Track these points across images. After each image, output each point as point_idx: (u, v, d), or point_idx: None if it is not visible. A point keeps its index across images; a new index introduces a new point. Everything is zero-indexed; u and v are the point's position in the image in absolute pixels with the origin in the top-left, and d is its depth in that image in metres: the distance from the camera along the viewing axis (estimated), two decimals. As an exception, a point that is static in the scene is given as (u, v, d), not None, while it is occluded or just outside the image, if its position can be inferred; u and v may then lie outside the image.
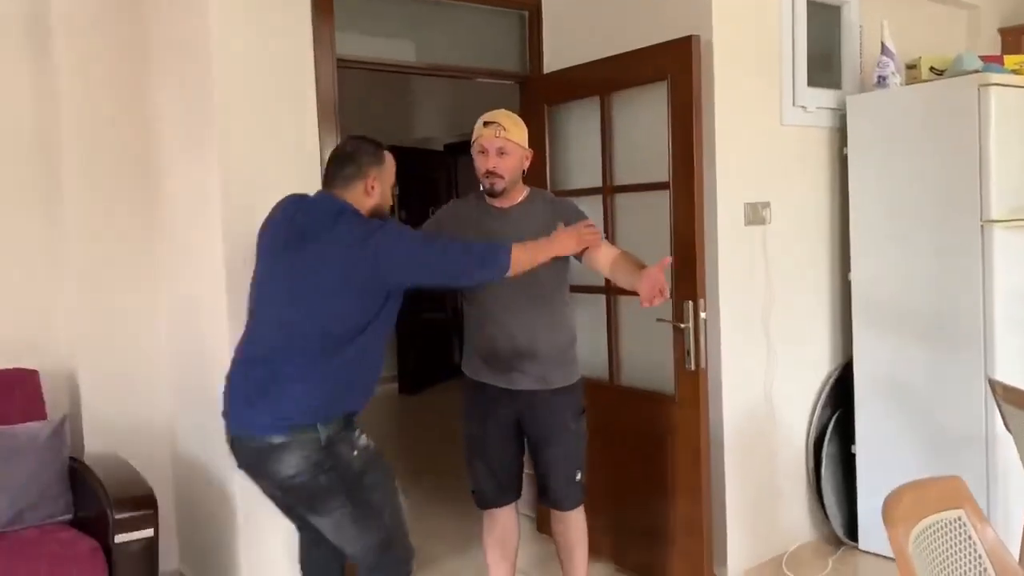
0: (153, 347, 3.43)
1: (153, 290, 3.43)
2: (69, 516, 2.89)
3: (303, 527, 2.58)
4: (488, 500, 2.86)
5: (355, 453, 2.34)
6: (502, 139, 2.64)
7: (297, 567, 2.70)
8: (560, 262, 2.70)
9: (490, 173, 2.67)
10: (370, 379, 2.42)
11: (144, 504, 2.71)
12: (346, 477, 2.31)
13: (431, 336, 7.43)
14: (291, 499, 2.40)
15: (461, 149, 7.54)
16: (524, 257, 2.48)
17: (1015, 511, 3.17)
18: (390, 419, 6.71)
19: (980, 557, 1.73)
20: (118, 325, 3.36)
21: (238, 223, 2.95)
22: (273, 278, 2.39)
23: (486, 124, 2.67)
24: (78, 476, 2.93)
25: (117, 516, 2.66)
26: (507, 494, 2.86)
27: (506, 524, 2.89)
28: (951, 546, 1.71)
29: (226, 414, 2.38)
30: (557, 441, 2.77)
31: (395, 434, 6.25)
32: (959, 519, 1.73)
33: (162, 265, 3.42)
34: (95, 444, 3.26)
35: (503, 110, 2.74)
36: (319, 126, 3.10)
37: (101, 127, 3.28)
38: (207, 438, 3.18)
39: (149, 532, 2.69)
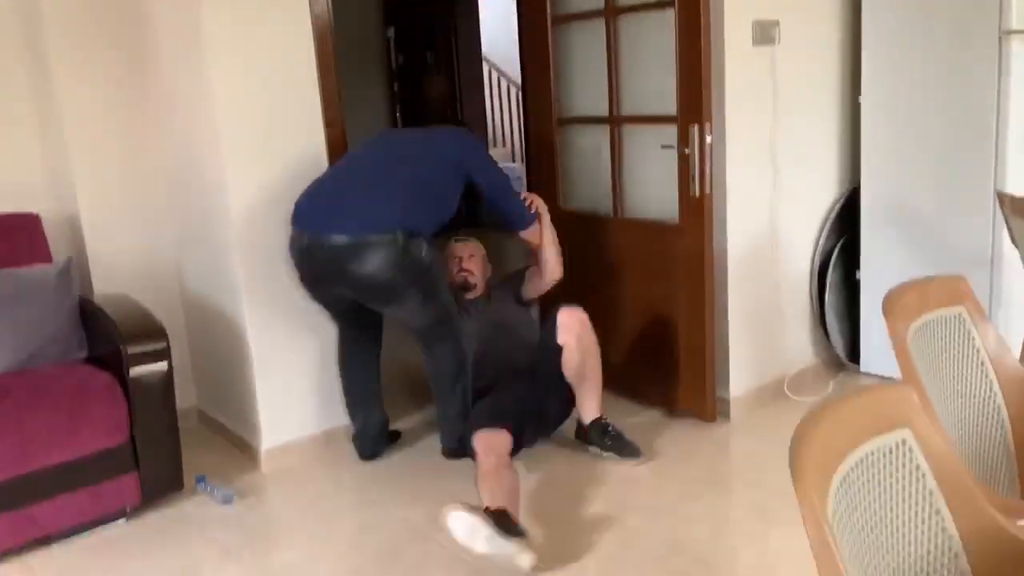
0: (152, 187, 3.40)
1: (148, 132, 3.36)
2: (83, 354, 2.94)
3: (348, 326, 3.10)
4: None
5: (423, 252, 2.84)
6: (470, 248, 3.43)
7: (331, 370, 3.19)
8: None
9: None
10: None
11: (156, 338, 2.75)
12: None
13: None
14: (368, 294, 2.88)
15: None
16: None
17: (1017, 333, 3.20)
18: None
19: (979, 351, 1.75)
20: (115, 167, 3.32)
21: (228, 59, 2.87)
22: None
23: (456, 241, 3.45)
24: (89, 315, 2.97)
25: (131, 351, 2.70)
26: None
27: None
28: (951, 340, 1.72)
29: (305, 223, 2.83)
30: None
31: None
32: (959, 316, 1.74)
33: (156, 106, 3.33)
34: (102, 286, 3.28)
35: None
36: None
37: None
38: (215, 275, 3.20)
39: (163, 365, 2.74)
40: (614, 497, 2.79)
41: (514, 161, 8.81)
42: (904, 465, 1.14)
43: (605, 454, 3.02)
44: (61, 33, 3.14)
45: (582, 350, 2.98)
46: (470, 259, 3.36)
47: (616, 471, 2.96)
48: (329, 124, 3.15)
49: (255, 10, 2.91)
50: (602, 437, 3.02)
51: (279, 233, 3.02)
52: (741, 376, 3.34)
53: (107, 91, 3.26)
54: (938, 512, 1.16)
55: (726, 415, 3.31)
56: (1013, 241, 2.86)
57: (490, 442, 2.75)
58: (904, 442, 1.15)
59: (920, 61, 3.27)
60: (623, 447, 3.01)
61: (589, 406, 3.04)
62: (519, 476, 2.69)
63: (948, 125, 3.24)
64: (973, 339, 1.71)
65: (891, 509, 1.13)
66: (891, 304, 1.57)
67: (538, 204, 3.24)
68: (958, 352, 1.70)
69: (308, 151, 3.10)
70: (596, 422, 3.04)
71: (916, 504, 1.15)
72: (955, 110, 3.22)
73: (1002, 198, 2.77)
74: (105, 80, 3.25)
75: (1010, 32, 3.02)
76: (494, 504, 2.42)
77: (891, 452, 1.13)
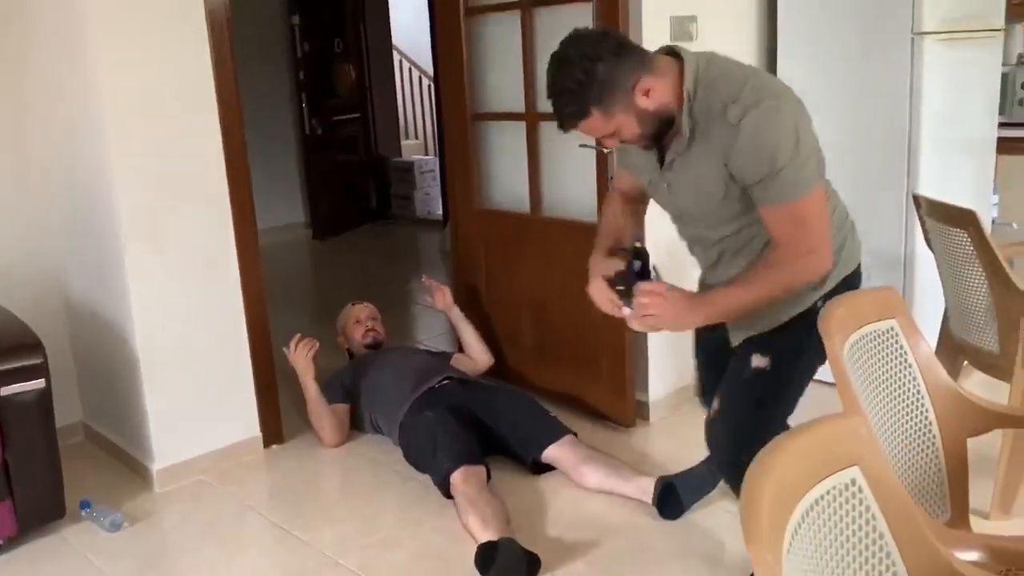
0: (33, 186, 3.11)
1: (27, 125, 3.07)
2: (-52, 370, 2.66)
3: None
4: None
5: None
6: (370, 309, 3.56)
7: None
8: None
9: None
10: None
11: (31, 353, 2.50)
12: None
13: (344, 180, 7.13)
14: None
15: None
16: None
17: (931, 330, 3.23)
18: (302, 264, 6.51)
19: (911, 367, 1.70)
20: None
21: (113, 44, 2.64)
22: None
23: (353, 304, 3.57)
24: (-46, 328, 2.68)
25: (1, 367, 2.44)
26: None
27: None
28: (884, 356, 1.66)
29: None
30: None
31: (308, 279, 6.08)
32: (892, 329, 1.69)
33: (35, 97, 3.05)
34: (-25, 294, 2.99)
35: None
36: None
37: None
38: (101, 277, 2.95)
39: (40, 383, 2.49)
40: (532, 506, 2.68)
41: (427, 154, 8.65)
42: (854, 508, 1.06)
43: None
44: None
45: None
46: (374, 320, 3.52)
47: (532, 481, 2.85)
48: (224, 113, 2.91)
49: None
50: None
51: (168, 229, 2.81)
52: (659, 380, 3.28)
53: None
54: (888, 555, 1.08)
55: (645, 418, 3.24)
56: (928, 243, 2.87)
57: (467, 475, 2.61)
58: (854, 482, 1.06)
59: (834, 61, 3.26)
60: None
61: None
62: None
63: (862, 126, 3.24)
64: (905, 353, 1.65)
65: (841, 554, 1.04)
66: (826, 322, 1.49)
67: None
68: (891, 367, 1.65)
69: (200, 142, 2.88)
70: None
71: (867, 549, 1.06)
72: (869, 112, 3.22)
73: (918, 201, 2.77)
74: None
75: (921, 33, 3.04)
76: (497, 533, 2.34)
77: (840, 495, 1.04)
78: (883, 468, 1.10)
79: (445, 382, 3.04)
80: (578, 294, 3.18)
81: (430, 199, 7.61)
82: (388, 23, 7.72)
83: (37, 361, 2.49)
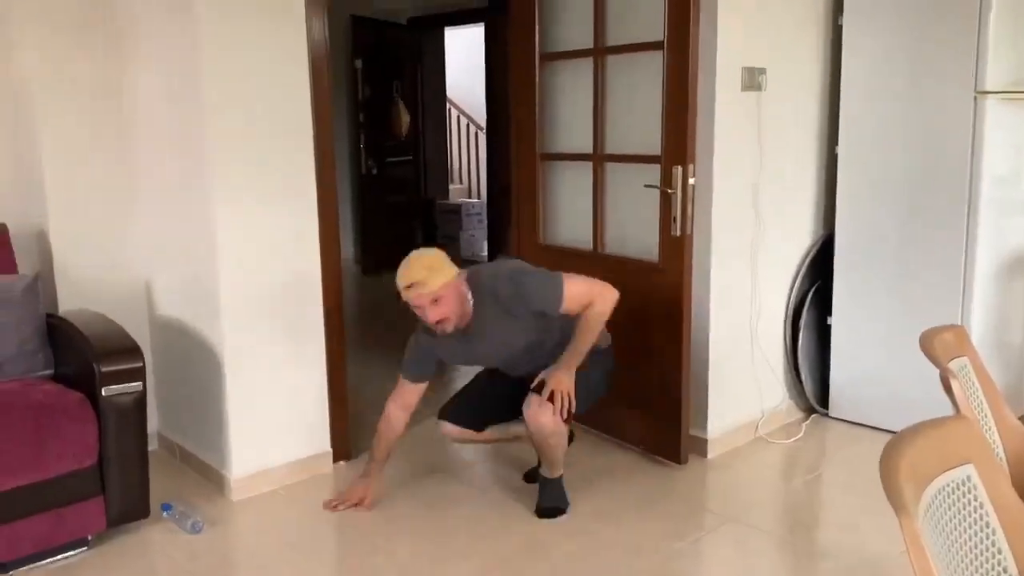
0: (126, 204, 3.29)
1: (124, 147, 3.26)
2: (50, 371, 2.80)
3: None
4: None
5: None
6: (428, 293, 2.59)
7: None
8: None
9: (438, 323, 2.65)
10: None
11: (131, 356, 2.63)
12: None
13: (393, 218, 7.32)
14: None
15: (426, 23, 7.33)
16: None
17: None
18: (349, 296, 6.65)
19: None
20: (88, 181, 3.20)
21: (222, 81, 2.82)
22: None
23: (405, 289, 2.61)
24: (57, 332, 2.83)
25: (104, 369, 2.57)
26: None
27: None
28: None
29: None
30: None
31: (356, 311, 6.23)
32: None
33: (135, 120, 3.23)
34: (69, 303, 3.14)
35: (411, 265, 2.62)
36: None
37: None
38: (191, 296, 3.09)
39: (138, 385, 2.62)
40: (591, 534, 2.75)
41: (471, 197, 8.88)
42: (969, 503, 1.14)
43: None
44: (35, 44, 3.04)
45: (540, 440, 2.81)
46: (436, 305, 2.64)
47: (588, 508, 2.92)
48: (321, 153, 3.10)
49: (253, 33, 2.87)
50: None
51: (263, 261, 2.97)
52: (718, 417, 3.36)
53: (82, 102, 3.15)
54: (999, 551, 1.16)
55: (703, 454, 3.31)
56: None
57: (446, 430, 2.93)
58: (969, 479, 1.15)
59: (897, 115, 3.38)
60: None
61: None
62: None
63: (921, 180, 3.35)
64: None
65: (956, 545, 1.12)
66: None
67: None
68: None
69: (298, 179, 3.05)
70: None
71: (980, 542, 1.15)
72: (928, 165, 3.33)
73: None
74: (81, 91, 3.14)
75: (984, 92, 3.15)
76: None
77: (958, 488, 1.13)
78: (996, 471, 1.18)
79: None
80: (637, 329, 3.30)
81: (475, 240, 7.81)
82: (443, 72, 7.97)
83: (137, 365, 2.63)
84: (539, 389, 2.70)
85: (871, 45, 3.42)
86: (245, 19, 2.85)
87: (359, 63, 6.85)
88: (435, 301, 2.60)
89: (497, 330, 2.76)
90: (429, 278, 2.59)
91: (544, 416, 2.69)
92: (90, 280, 3.22)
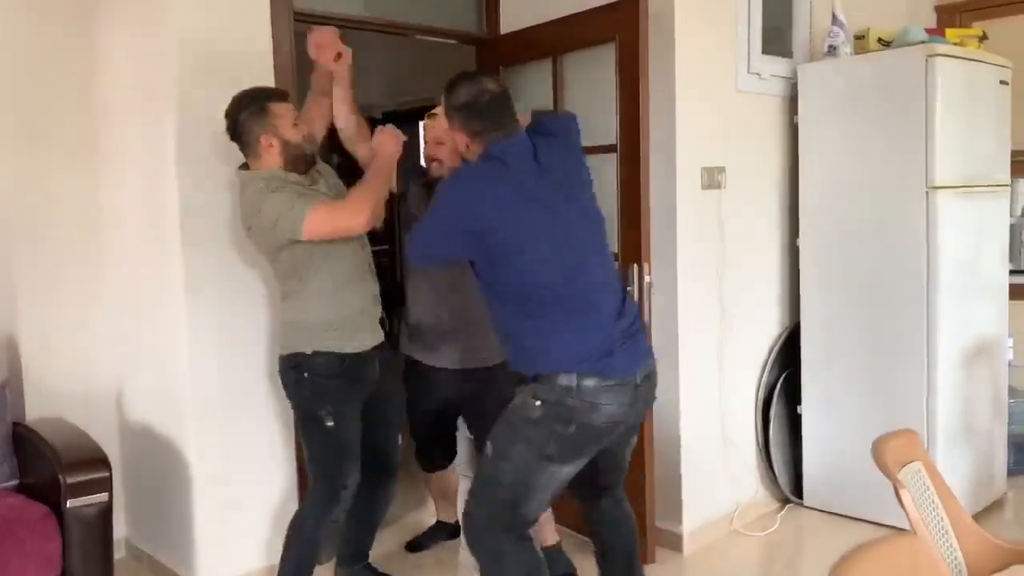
0: (95, 308, 3.30)
1: (93, 251, 3.30)
2: (15, 482, 2.77)
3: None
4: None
5: None
6: (439, 129, 2.78)
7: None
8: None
9: (432, 161, 2.91)
10: None
11: (97, 467, 2.62)
12: None
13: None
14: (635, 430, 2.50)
15: (403, 118, 7.50)
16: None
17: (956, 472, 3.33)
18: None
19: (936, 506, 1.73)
20: (58, 288, 3.22)
21: (194, 178, 2.88)
22: (561, 225, 2.25)
23: (428, 116, 2.88)
24: (22, 441, 2.81)
25: (69, 480, 2.55)
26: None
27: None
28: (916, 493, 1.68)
29: (627, 362, 2.25)
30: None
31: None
32: (918, 471, 1.70)
33: (103, 223, 3.28)
34: (37, 410, 3.12)
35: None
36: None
37: (37, 81, 3.13)
38: (164, 401, 3.09)
39: (104, 496, 2.60)
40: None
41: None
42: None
43: None
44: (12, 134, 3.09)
45: None
46: (437, 146, 2.87)
47: None
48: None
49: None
50: None
51: (234, 359, 2.97)
52: (692, 510, 3.35)
53: (52, 195, 3.20)
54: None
55: (679, 550, 3.29)
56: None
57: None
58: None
59: (854, 209, 3.49)
60: None
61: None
62: None
63: (882, 270, 3.44)
64: (931, 492, 1.68)
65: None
66: (881, 455, 1.51)
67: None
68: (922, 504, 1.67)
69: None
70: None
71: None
72: (887, 256, 3.42)
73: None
74: (51, 193, 3.19)
75: (935, 187, 3.28)
76: None
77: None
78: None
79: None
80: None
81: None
82: (419, 161, 8.11)
83: (103, 475, 2.61)
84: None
85: (825, 144, 3.55)
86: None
87: (336, 159, 6.97)
88: (438, 142, 2.83)
89: None
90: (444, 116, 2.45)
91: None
92: (60, 386, 3.20)
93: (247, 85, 2.65)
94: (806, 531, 3.56)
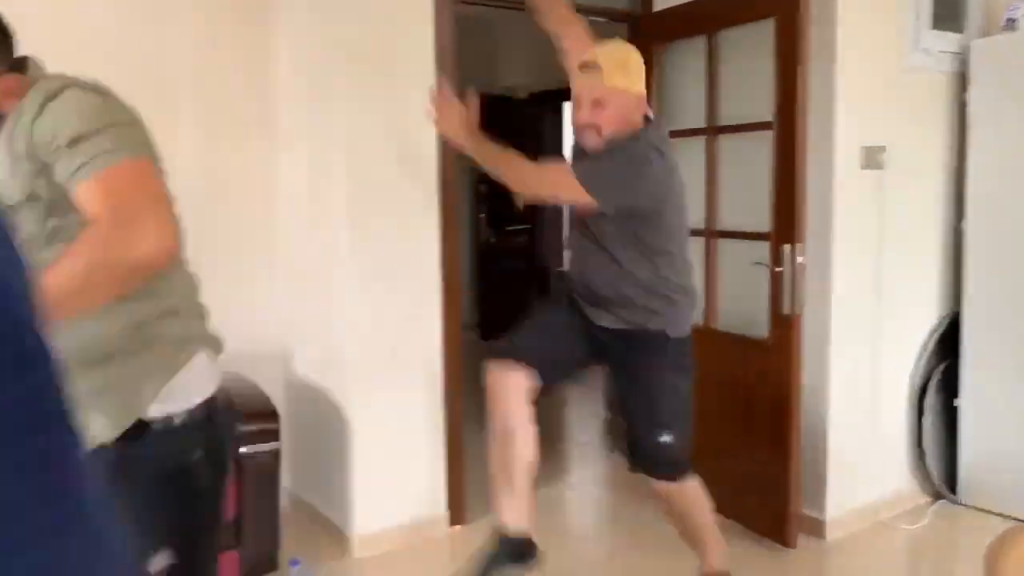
0: (268, 271, 3.55)
1: (267, 223, 3.54)
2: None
3: None
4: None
5: None
6: (600, 88, 2.17)
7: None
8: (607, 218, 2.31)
9: (583, 127, 2.25)
10: None
11: (269, 418, 2.84)
12: None
13: (511, 286, 7.50)
14: None
15: (547, 99, 7.57)
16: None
17: None
18: (469, 362, 6.80)
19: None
20: (237, 255, 3.47)
21: (358, 158, 3.05)
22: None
23: (582, 68, 2.22)
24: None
25: (243, 428, 2.77)
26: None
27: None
28: None
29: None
30: (642, 388, 2.47)
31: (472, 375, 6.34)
32: None
33: (276, 196, 3.52)
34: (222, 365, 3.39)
35: (609, 46, 2.30)
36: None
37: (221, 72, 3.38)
38: (328, 362, 3.30)
39: (275, 445, 2.81)
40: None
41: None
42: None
43: None
44: (193, 108, 3.37)
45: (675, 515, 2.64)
46: (596, 108, 2.26)
47: None
48: (446, 227, 3.29)
49: (382, 120, 3.10)
50: None
51: (395, 322, 3.14)
52: (837, 499, 3.28)
53: (232, 170, 3.46)
54: None
55: (821, 536, 3.23)
56: None
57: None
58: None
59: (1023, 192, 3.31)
60: None
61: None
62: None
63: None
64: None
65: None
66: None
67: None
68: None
69: (421, 251, 3.24)
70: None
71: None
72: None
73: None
74: (231, 163, 3.46)
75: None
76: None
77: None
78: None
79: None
80: (743, 408, 3.25)
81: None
82: (561, 145, 8.19)
83: (274, 426, 2.82)
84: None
85: (998, 124, 3.37)
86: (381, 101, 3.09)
87: (483, 188, 7.16)
88: (598, 103, 2.21)
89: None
90: (609, 72, 2.17)
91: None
92: (236, 347, 3.44)
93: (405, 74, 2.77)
94: (959, 528, 3.42)
